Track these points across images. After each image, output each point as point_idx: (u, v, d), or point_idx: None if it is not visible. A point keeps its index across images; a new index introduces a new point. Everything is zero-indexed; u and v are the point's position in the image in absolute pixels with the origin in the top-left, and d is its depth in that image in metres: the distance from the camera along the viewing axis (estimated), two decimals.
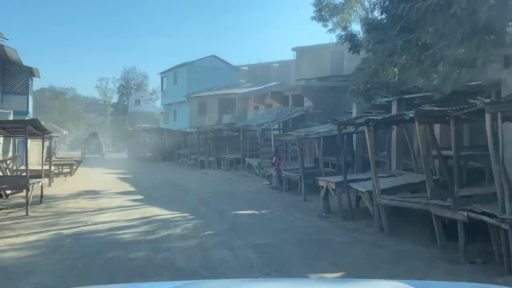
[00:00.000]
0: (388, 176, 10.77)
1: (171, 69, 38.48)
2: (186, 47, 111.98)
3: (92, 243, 8.00)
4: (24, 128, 11.80)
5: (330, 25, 20.60)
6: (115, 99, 78.57)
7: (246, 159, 20.73)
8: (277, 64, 39.44)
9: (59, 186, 17.07)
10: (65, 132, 47.02)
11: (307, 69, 28.10)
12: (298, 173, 14.80)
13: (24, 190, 11.32)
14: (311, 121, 18.96)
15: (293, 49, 33.48)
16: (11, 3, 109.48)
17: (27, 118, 21.53)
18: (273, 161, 16.24)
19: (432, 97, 10.23)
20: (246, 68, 40.81)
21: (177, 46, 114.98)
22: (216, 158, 24.19)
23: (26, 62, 20.34)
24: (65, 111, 65.15)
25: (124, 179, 19.92)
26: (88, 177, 20.95)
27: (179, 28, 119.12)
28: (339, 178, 11.04)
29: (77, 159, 23.92)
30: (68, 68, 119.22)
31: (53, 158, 23.98)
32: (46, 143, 24.76)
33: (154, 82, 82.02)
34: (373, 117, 10.14)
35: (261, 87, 27.56)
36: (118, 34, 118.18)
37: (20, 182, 11.96)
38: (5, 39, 20.25)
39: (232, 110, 31.09)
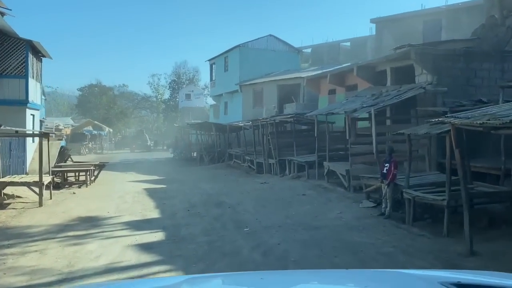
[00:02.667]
0: None
1: (221, 54, 32.61)
2: (241, 31, 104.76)
3: None
4: None
5: None
6: (167, 95, 75.05)
7: (325, 163, 14.20)
8: (348, 43, 32.49)
9: (53, 207, 11.51)
10: (107, 129, 42.88)
11: (391, 45, 21.11)
12: (435, 192, 8.26)
13: None
14: (429, 104, 12.09)
15: (372, 21, 26.39)
16: (69, 9, 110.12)
17: (31, 110, 16.63)
18: (385, 170, 9.63)
19: None
20: (309, 50, 34.14)
21: (232, 31, 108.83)
22: (279, 160, 17.87)
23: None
24: (113, 108, 61.73)
25: (152, 192, 14.11)
26: (107, 188, 15.42)
27: (232, 11, 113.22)
28: None
29: (98, 163, 18.52)
30: (121, 66, 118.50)
31: (69, 162, 18.82)
32: (58, 143, 19.79)
33: (206, 77, 77.33)
34: None
35: (336, 67, 20.84)
36: (168, 28, 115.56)
37: None
38: (8, 9, 15.16)
39: (295, 99, 24.64)
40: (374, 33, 28.78)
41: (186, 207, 11.11)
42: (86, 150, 41.66)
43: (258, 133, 20.62)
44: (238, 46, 30.17)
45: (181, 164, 26.93)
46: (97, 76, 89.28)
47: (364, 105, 11.91)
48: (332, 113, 13.29)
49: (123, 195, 13.51)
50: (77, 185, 15.88)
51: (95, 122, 43.94)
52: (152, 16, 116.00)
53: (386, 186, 9.57)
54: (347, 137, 12.48)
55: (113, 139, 60.47)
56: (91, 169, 16.67)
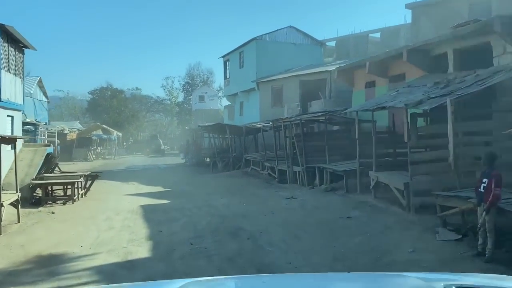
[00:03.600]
0: None
1: (236, 49, 29.60)
2: (259, 24, 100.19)
3: None
4: None
5: None
6: (180, 98, 72.66)
7: (371, 173, 10.99)
8: (378, 34, 29.16)
9: (13, 237, 8.60)
10: (115, 133, 40.29)
11: (430, 33, 17.90)
12: None
13: None
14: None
15: (408, 7, 23.11)
16: (82, 13, 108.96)
17: (7, 110, 13.77)
18: (482, 187, 6.41)
19: None
20: (333, 43, 30.90)
21: (249, 30, 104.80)
22: (306, 168, 14.72)
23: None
24: (124, 111, 59.35)
25: (149, 212, 11.10)
26: (96, 205, 12.49)
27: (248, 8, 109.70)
28: None
29: (90, 172, 15.61)
30: (135, 69, 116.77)
31: (57, 172, 15.98)
32: (44, 150, 16.91)
33: (220, 78, 74.49)
34: None
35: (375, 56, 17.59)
36: (182, 29, 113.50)
37: None
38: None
39: (322, 96, 21.49)
40: (408, 21, 25.52)
41: (189, 238, 8.04)
42: (94, 156, 39.12)
43: (279, 135, 17.54)
44: (255, 39, 27.13)
45: (192, 171, 23.97)
46: (111, 80, 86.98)
47: (432, 95, 8.67)
48: (383, 108, 10.07)
49: (111, 216, 10.53)
50: (62, 201, 12.99)
51: (103, 126, 41.36)
52: (166, 18, 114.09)
53: (484, 212, 6.36)
54: (406, 139, 9.25)
55: (124, 143, 58.08)
56: (79, 181, 13.76)
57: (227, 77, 31.82)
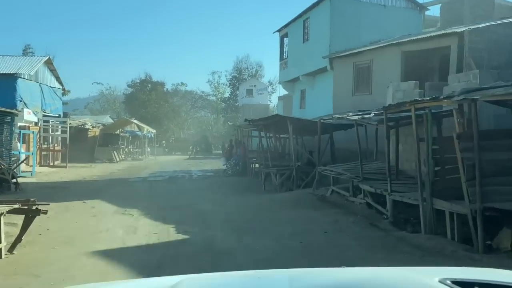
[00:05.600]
0: None
1: (299, 16, 21.65)
2: None
3: None
4: None
5: None
6: (227, 93, 65.94)
7: None
8: None
9: None
10: (145, 129, 33.63)
11: None
12: None
13: None
14: None
15: None
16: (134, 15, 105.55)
17: None
18: None
19: None
20: (437, 8, 22.22)
21: None
22: (484, 209, 6.54)
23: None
24: (164, 106, 53.07)
25: None
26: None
27: None
28: None
29: (19, 205, 8.01)
30: (179, 64, 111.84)
31: None
32: None
33: (271, 72, 67.10)
34: None
35: None
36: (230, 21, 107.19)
37: None
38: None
39: (441, 74, 13.20)
40: None
41: None
42: (122, 156, 32.67)
43: (396, 135, 9.48)
44: None
45: (234, 186, 16.34)
46: (154, 75, 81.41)
47: None
48: None
49: None
50: None
51: (134, 121, 34.85)
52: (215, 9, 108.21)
53: None
54: None
55: (163, 141, 51.87)
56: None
57: (285, 57, 23.93)
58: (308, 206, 10.94)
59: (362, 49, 16.85)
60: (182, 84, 67.89)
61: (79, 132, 29.44)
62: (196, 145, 45.80)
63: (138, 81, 56.16)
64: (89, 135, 30.93)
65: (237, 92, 59.51)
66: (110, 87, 64.61)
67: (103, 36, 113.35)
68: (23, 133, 19.49)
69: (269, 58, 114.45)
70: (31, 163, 20.31)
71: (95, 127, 32.07)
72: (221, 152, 45.53)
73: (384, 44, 15.96)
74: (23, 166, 19.08)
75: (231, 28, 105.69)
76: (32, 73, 21.68)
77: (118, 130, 34.33)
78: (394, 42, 15.59)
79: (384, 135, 10.05)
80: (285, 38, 24.07)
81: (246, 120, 16.43)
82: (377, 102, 14.11)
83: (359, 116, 10.81)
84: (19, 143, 19.06)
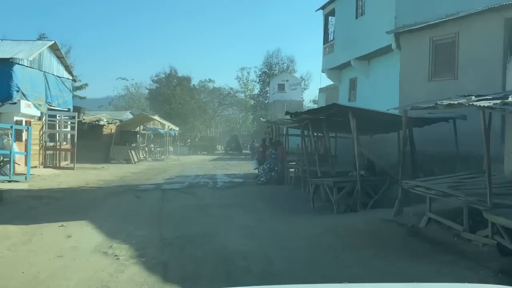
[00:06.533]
0: None
1: None
2: None
3: None
4: None
5: None
6: (256, 90, 62.10)
7: None
8: None
9: None
10: (166, 127, 30.13)
11: None
12: None
13: None
14: None
15: None
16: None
17: None
18: None
19: None
20: None
21: None
22: None
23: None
24: (189, 102, 49.65)
25: None
26: None
27: None
28: None
29: None
30: (207, 60, 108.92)
31: None
32: None
33: (303, 68, 62.90)
34: None
35: None
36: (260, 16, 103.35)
37: None
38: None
39: None
40: None
41: None
42: (141, 156, 29.32)
43: None
44: None
45: (271, 200, 12.38)
46: (180, 70, 77.81)
47: None
48: None
49: None
50: None
51: (155, 117, 31.43)
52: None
53: None
54: None
55: (189, 140, 48.57)
56: None
57: (331, 39, 19.75)
58: (397, 248, 6.84)
59: (444, 19, 12.56)
60: (210, 80, 64.50)
61: (92, 129, 26.25)
62: (227, 145, 44.52)
63: (163, 75, 53.15)
64: (105, 133, 27.70)
65: (267, 88, 55.65)
66: (136, 83, 62.07)
67: (126, 29, 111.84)
68: (15, 129, 16.22)
69: (302, 52, 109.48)
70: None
71: (111, 123, 28.80)
72: (249, 152, 42.19)
73: (477, 10, 11.64)
74: (18, 169, 15.83)
75: (261, 22, 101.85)
76: (31, 59, 18.38)
77: (138, 127, 31.04)
78: (494, 6, 11.24)
79: (496, 133, 5.92)
80: (330, 17, 19.93)
81: (287, 112, 12.38)
82: (465, 89, 9.93)
83: (477, 101, 6.60)
84: (11, 140, 15.80)
